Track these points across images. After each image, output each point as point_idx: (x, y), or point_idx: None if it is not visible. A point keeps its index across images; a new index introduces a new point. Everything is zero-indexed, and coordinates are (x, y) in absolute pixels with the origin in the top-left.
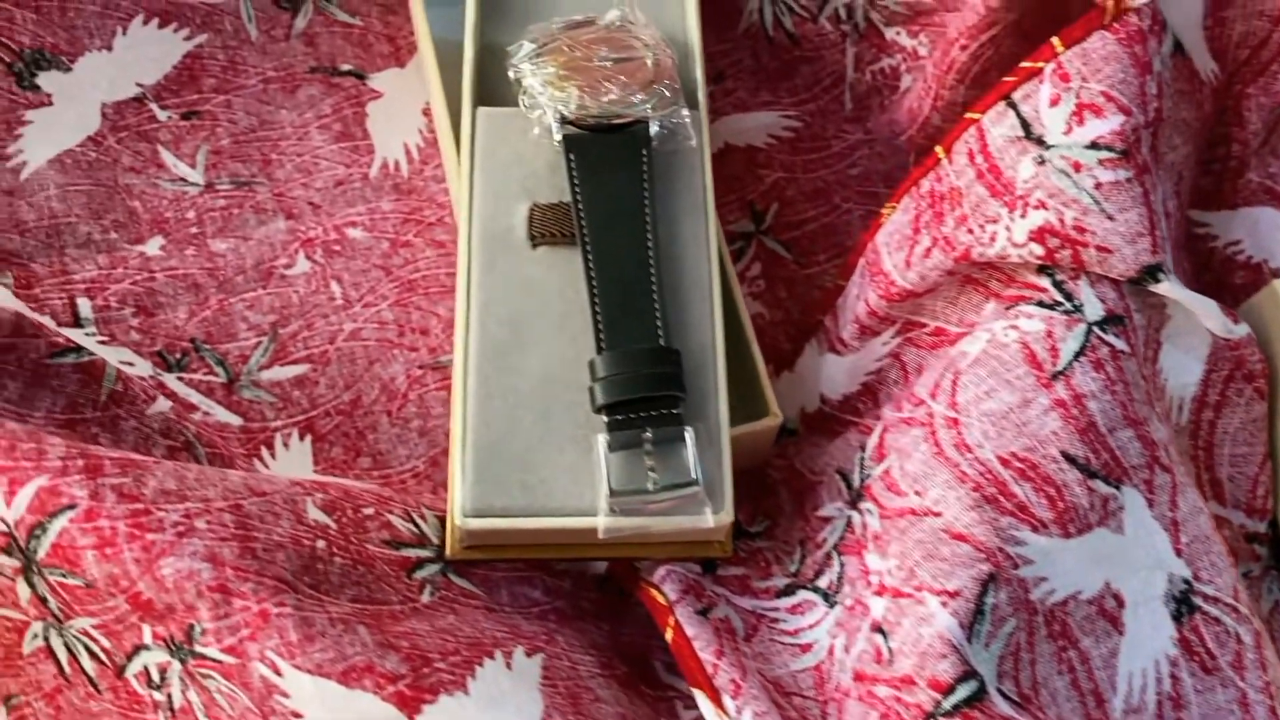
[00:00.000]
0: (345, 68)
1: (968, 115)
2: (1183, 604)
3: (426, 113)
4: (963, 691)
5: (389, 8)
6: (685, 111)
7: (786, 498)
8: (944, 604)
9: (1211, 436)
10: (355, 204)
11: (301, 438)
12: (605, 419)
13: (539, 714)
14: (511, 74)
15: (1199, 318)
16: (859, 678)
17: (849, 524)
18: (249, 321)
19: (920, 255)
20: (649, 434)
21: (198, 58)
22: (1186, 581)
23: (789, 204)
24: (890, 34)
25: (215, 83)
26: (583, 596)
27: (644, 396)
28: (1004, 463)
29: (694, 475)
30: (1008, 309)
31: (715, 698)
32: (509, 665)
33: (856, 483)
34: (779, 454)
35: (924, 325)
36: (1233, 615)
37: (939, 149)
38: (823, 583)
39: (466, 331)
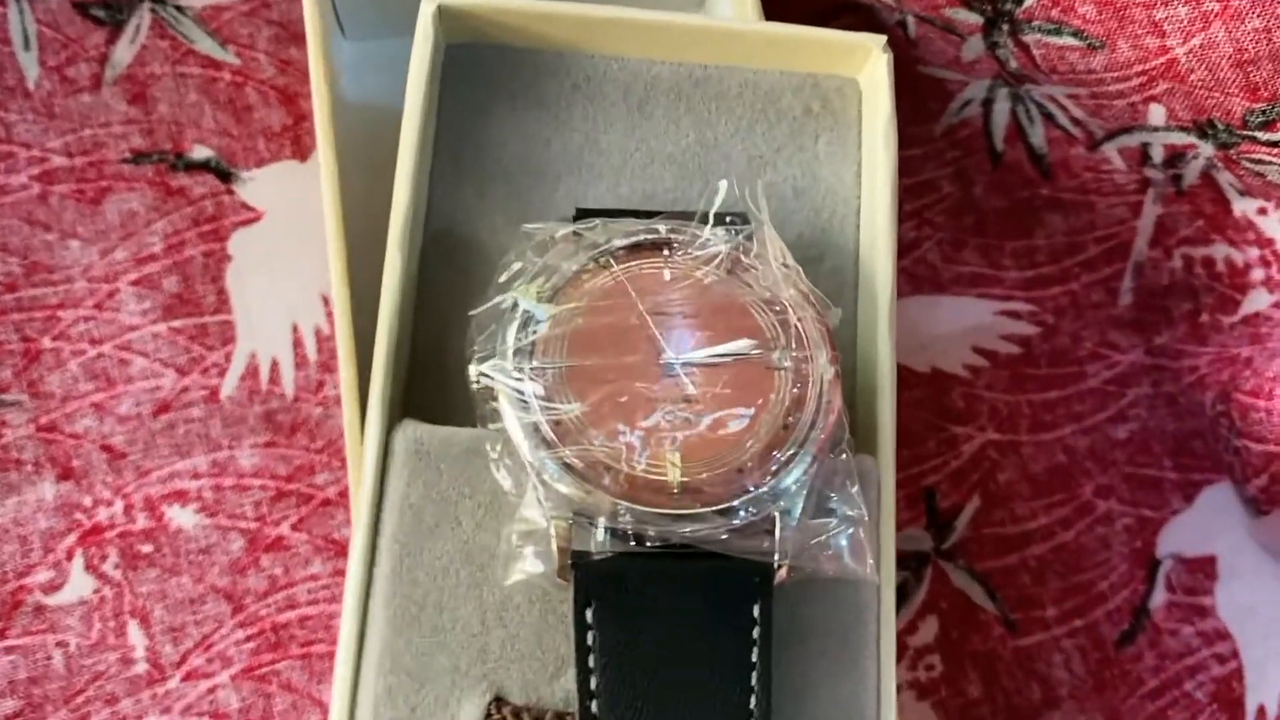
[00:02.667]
0: (200, 156)
1: None
2: None
3: None
4: None
5: (290, 30)
6: (855, 488)
7: None
8: None
9: None
10: (191, 452)
11: None
12: None
13: None
14: (473, 375)
15: None
16: None
17: None
18: None
19: None
20: None
21: None
22: None
23: (1001, 498)
24: (1243, 208)
25: None
26: None
27: None
28: None
29: None
30: None
31: None
32: None
33: None
34: None
35: None
36: None
37: None
38: None
39: None
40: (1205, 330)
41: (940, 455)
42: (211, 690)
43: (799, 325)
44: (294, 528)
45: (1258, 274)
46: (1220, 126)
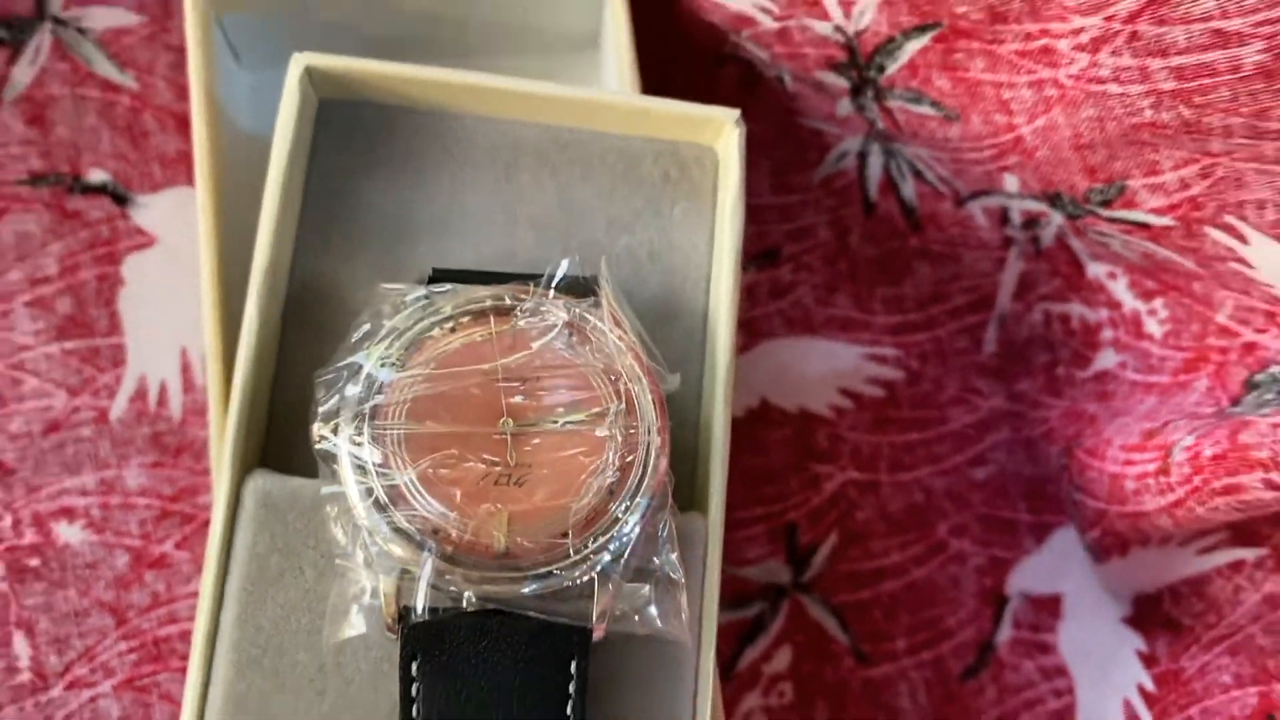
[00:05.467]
0: (97, 179)
1: None
2: None
3: None
4: None
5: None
6: (675, 554)
7: None
8: None
9: None
10: (80, 470)
11: None
12: None
13: None
14: (315, 436)
15: None
16: None
17: None
18: None
19: None
20: None
21: None
22: None
23: (858, 535)
24: (1095, 271)
25: None
26: None
27: None
28: None
29: None
30: None
31: None
32: None
33: None
34: None
35: None
36: None
37: None
38: None
39: None
40: (1060, 383)
41: (802, 492)
42: (93, 700)
43: (633, 395)
44: (177, 546)
45: (1107, 334)
46: (1066, 199)
